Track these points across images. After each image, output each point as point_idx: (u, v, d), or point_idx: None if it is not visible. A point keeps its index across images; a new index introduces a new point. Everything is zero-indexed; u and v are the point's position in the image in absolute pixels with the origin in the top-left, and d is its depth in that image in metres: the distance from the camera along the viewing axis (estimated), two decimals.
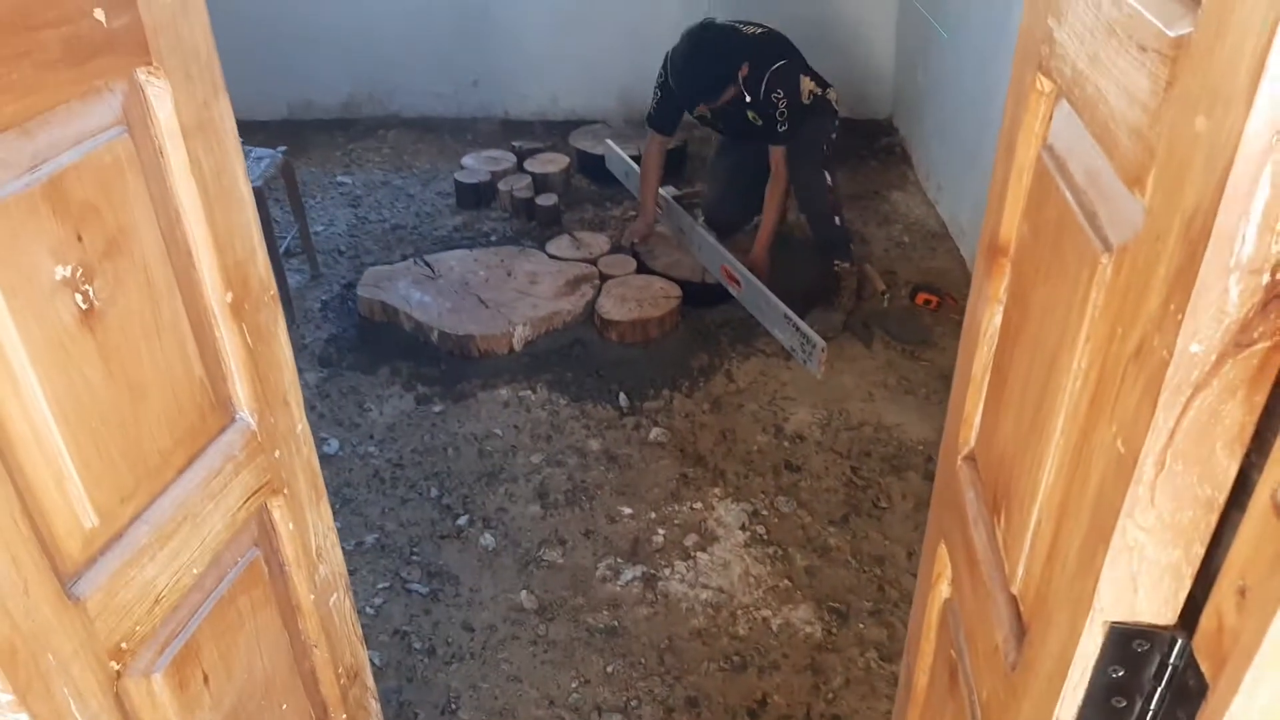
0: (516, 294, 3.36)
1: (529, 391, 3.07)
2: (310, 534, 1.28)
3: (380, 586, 2.40)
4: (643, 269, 3.53)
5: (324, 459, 2.76)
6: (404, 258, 3.85)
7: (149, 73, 0.89)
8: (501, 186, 4.20)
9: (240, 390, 1.11)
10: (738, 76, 3.20)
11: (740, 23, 3.38)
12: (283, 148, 3.46)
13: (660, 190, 3.75)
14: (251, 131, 5.13)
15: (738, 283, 3.27)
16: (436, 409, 3.01)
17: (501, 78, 5.10)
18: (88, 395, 0.87)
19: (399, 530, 2.57)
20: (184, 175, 0.96)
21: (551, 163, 4.37)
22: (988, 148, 3.72)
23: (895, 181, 4.41)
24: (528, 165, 4.35)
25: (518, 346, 3.21)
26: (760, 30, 3.36)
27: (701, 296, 3.40)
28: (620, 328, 3.20)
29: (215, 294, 1.04)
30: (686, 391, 3.06)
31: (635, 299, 3.29)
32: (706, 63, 3.21)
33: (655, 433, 2.88)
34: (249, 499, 1.14)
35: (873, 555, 2.46)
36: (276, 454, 1.18)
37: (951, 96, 3.96)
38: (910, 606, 2.30)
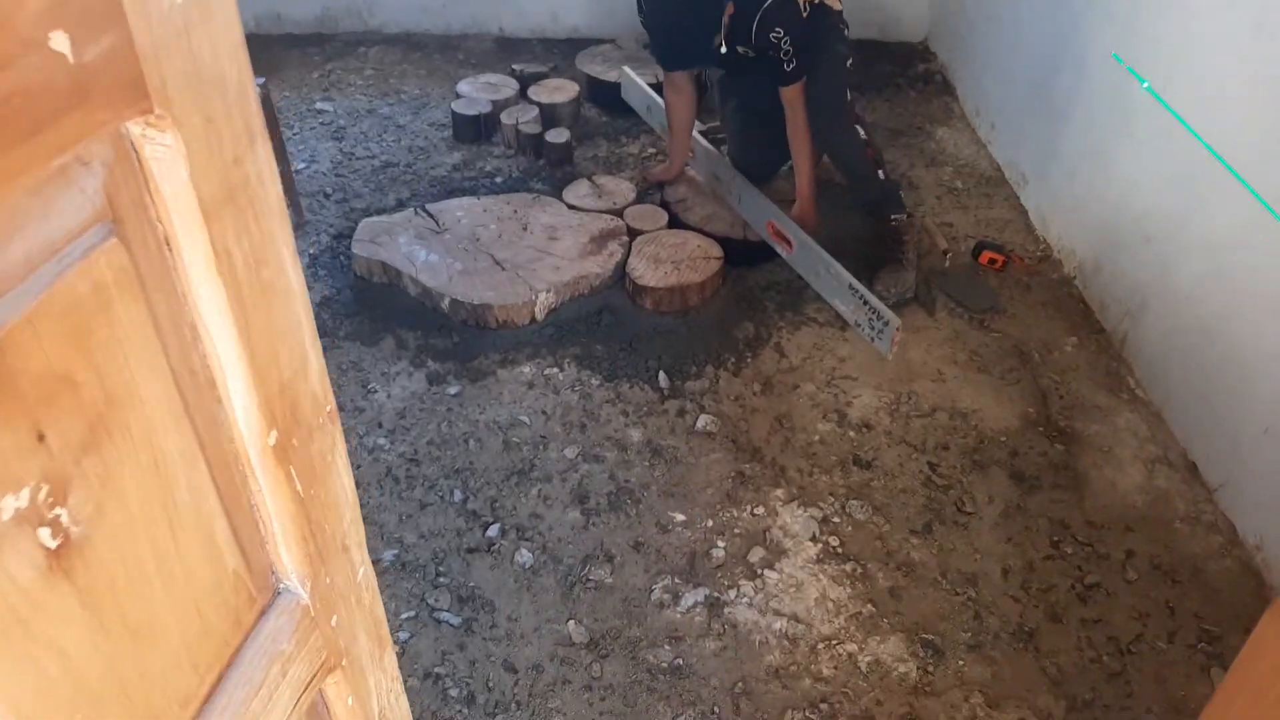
0: (535, 252, 2.97)
1: (556, 369, 2.72)
2: (373, 700, 0.95)
3: (405, 616, 2.08)
4: (675, 223, 3.14)
5: None
6: (400, 203, 3.43)
7: (148, 124, 0.51)
8: (505, 119, 3.75)
9: (286, 556, 0.76)
10: (720, 23, 2.76)
11: None
12: (260, 79, 2.99)
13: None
14: None
15: (788, 243, 2.90)
16: (452, 390, 2.65)
17: None
18: (64, 681, 0.52)
19: (420, 544, 2.24)
20: (206, 278, 0.59)
21: (559, 90, 3.91)
22: (1057, 84, 3.35)
23: (938, 114, 4.01)
24: (532, 93, 3.90)
25: (540, 316, 2.84)
26: None
27: (743, 255, 3.04)
28: (655, 294, 2.84)
29: (253, 439, 0.68)
30: (733, 369, 2.72)
31: (671, 260, 2.92)
32: (679, 17, 2.74)
33: (703, 420, 2.55)
34: (300, 697, 0.80)
35: (963, 573, 2.18)
36: (334, 621, 0.84)
37: (1008, 19, 3.54)
38: (1012, 637, 2.05)
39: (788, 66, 2.77)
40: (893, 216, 3.02)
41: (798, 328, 2.87)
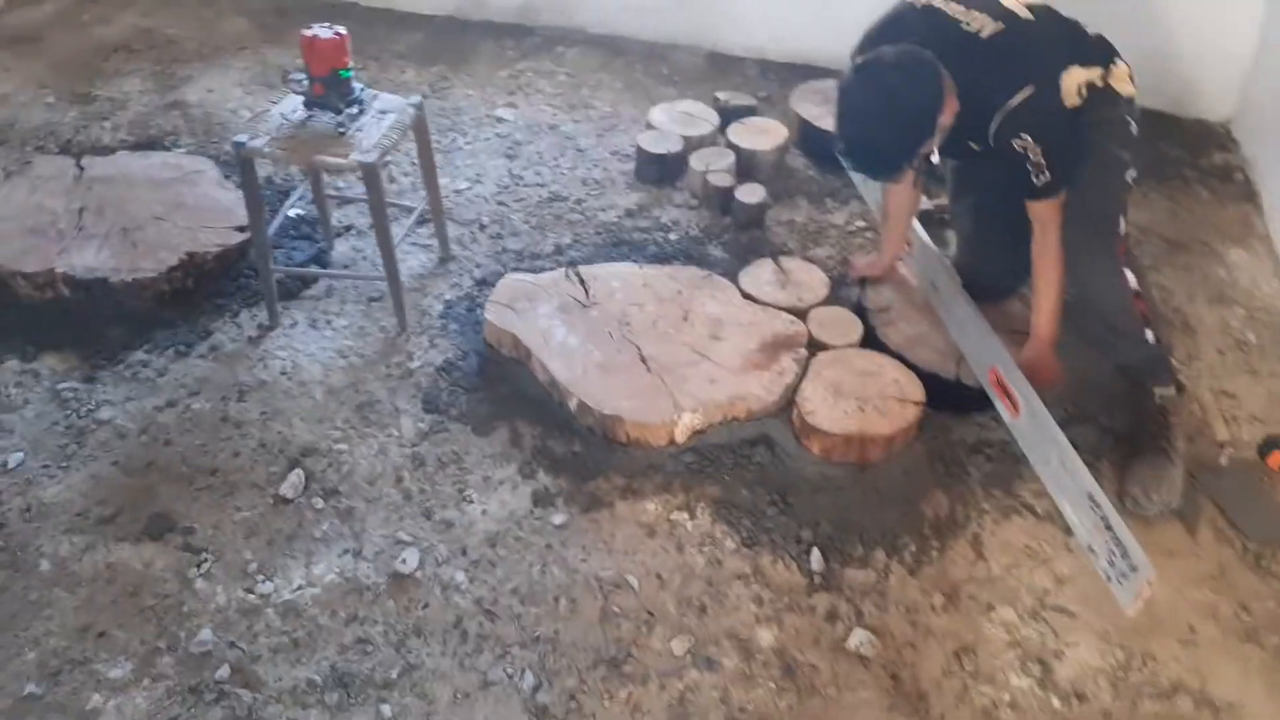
0: (691, 354, 2.44)
1: (685, 514, 2.19)
2: None
3: None
4: (871, 339, 2.53)
5: (395, 579, 2.00)
6: (557, 250, 2.98)
7: None
8: (695, 163, 3.22)
9: None
10: (933, 126, 2.05)
11: (957, 2, 2.16)
12: (416, 99, 2.59)
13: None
14: (410, 27, 4.28)
15: (1014, 404, 2.23)
16: (557, 519, 2.18)
17: None
18: None
19: None
20: None
21: (764, 134, 3.34)
22: None
23: (1234, 229, 3.17)
24: (732, 134, 3.34)
25: (680, 438, 2.32)
26: (997, 22, 2.12)
27: (951, 398, 2.39)
28: (828, 440, 2.25)
29: None
30: (911, 562, 2.10)
31: (855, 395, 2.32)
32: (880, 132, 2.04)
33: (858, 637, 1.96)
34: None
35: None
36: None
37: None
38: None
39: (1038, 179, 2.09)
40: (1158, 390, 2.29)
41: (1007, 516, 2.21)
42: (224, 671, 1.86)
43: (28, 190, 2.90)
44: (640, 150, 3.30)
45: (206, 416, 2.38)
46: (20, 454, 2.25)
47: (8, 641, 1.89)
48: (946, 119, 2.08)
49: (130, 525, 2.11)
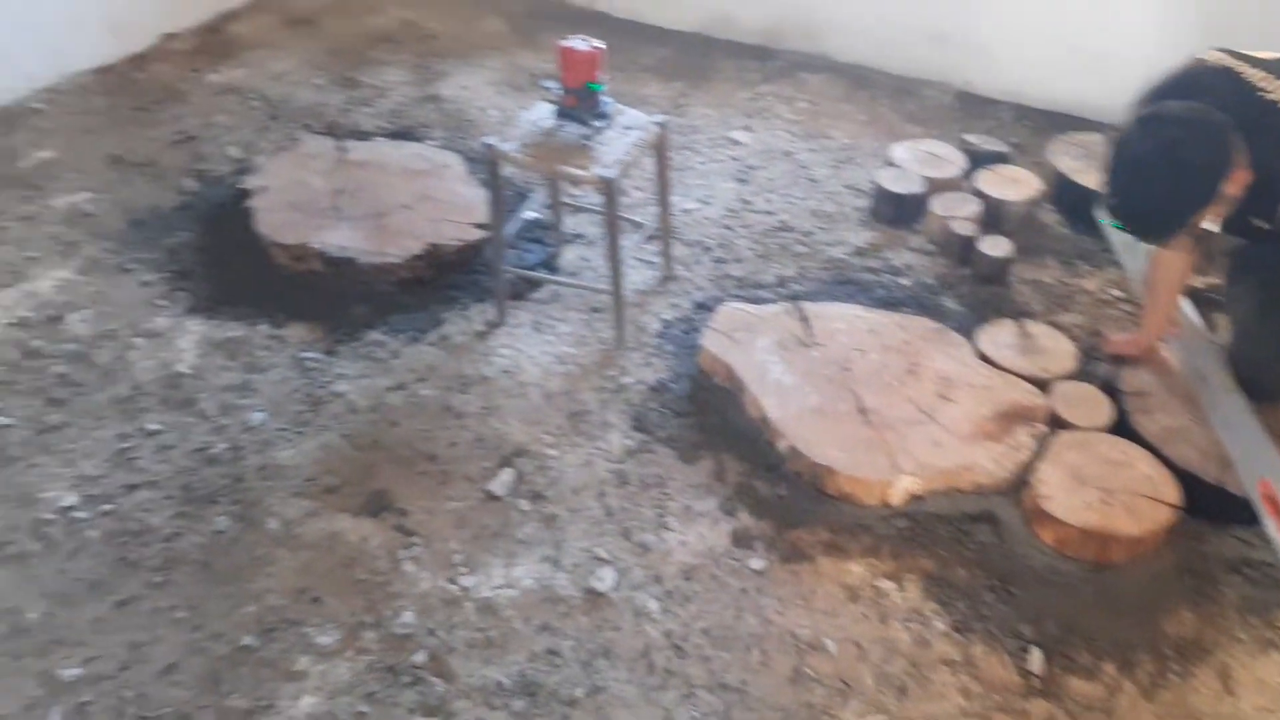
0: (915, 412, 2.31)
1: (893, 584, 2.07)
2: None
3: None
4: (1122, 425, 2.31)
5: (589, 596, 1.99)
6: (780, 282, 2.91)
7: None
8: (937, 208, 3.07)
9: None
10: (1214, 195, 1.83)
11: (1258, 66, 1.96)
12: (661, 118, 2.59)
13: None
14: (657, 41, 4.30)
15: None
16: (755, 564, 2.11)
17: (970, 33, 3.83)
18: None
19: None
20: None
21: (1015, 184, 3.14)
22: None
23: None
24: (979, 180, 3.17)
25: (895, 501, 2.19)
26: None
27: (1210, 504, 2.15)
28: (1063, 531, 2.07)
29: None
30: (1146, 683, 1.90)
31: (1099, 485, 2.12)
32: (1162, 188, 1.87)
33: None
34: None
35: None
36: None
37: None
38: None
39: None
40: None
41: (1264, 649, 1.96)
42: (421, 657, 1.90)
43: (294, 167, 3.10)
44: (878, 187, 3.18)
45: (431, 403, 2.45)
46: (262, 414, 2.40)
47: (234, 591, 2.00)
48: (1233, 189, 1.90)
49: (352, 498, 2.20)
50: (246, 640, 1.92)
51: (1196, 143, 1.87)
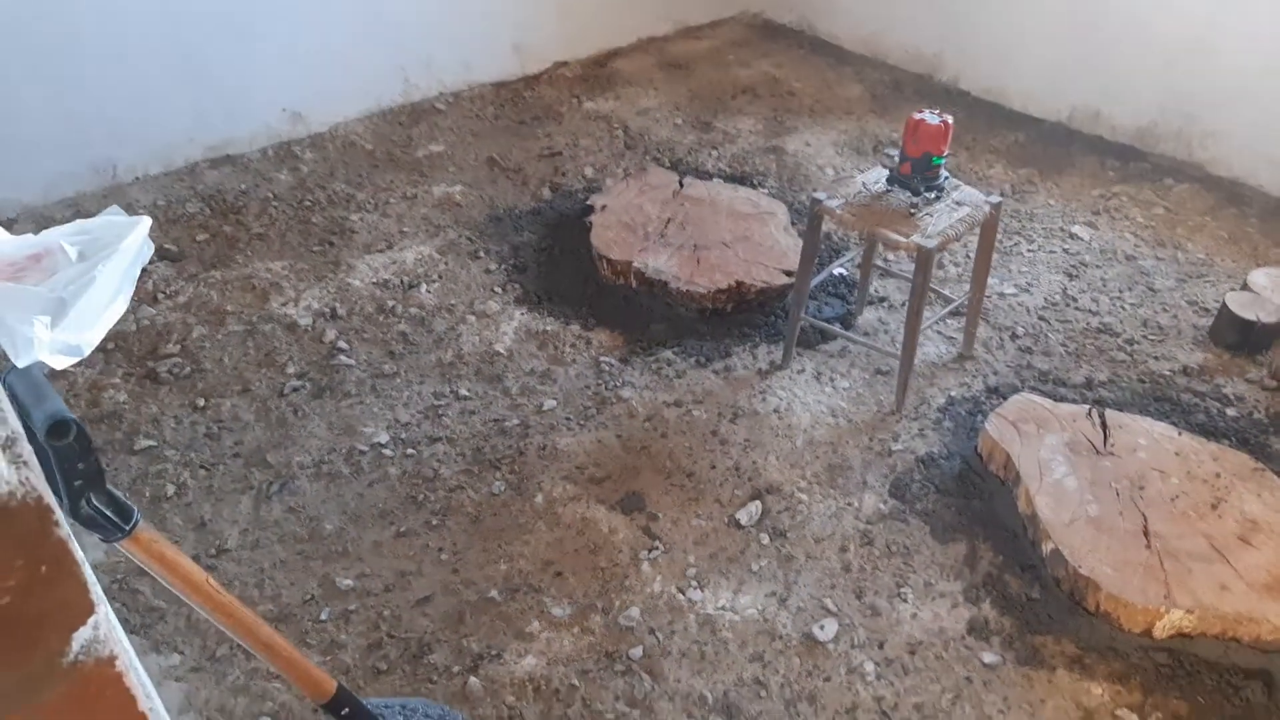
0: (1208, 549, 2.10)
1: (1136, 716, 1.89)
2: None
3: None
4: None
5: (807, 640, 2.01)
6: (1087, 384, 2.75)
7: None
8: None
9: None
10: None
11: None
12: (996, 198, 2.56)
13: None
14: (1013, 125, 4.18)
15: None
16: (988, 658, 2.02)
17: None
18: None
19: None
20: None
21: None
22: None
23: None
24: None
25: (1159, 633, 2.01)
26: None
27: None
28: None
29: None
30: None
31: None
32: None
33: None
34: None
35: None
36: None
37: None
38: None
39: None
40: None
41: None
42: (638, 651, 2.02)
43: (635, 192, 3.40)
44: (1225, 308, 2.91)
45: (701, 425, 2.59)
46: (554, 401, 2.66)
47: (493, 549, 2.24)
48: None
49: (611, 493, 2.39)
50: (493, 593, 2.14)
51: None
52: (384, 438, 2.53)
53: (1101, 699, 1.93)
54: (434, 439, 2.53)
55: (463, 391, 2.69)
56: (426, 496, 2.37)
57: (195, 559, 1.63)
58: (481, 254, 3.27)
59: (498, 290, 3.10)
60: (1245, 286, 2.99)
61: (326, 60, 3.87)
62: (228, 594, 1.27)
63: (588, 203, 3.38)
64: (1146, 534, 2.14)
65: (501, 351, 2.84)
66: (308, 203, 3.51)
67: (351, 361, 2.79)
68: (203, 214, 3.42)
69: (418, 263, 3.22)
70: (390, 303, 3.03)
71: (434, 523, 2.31)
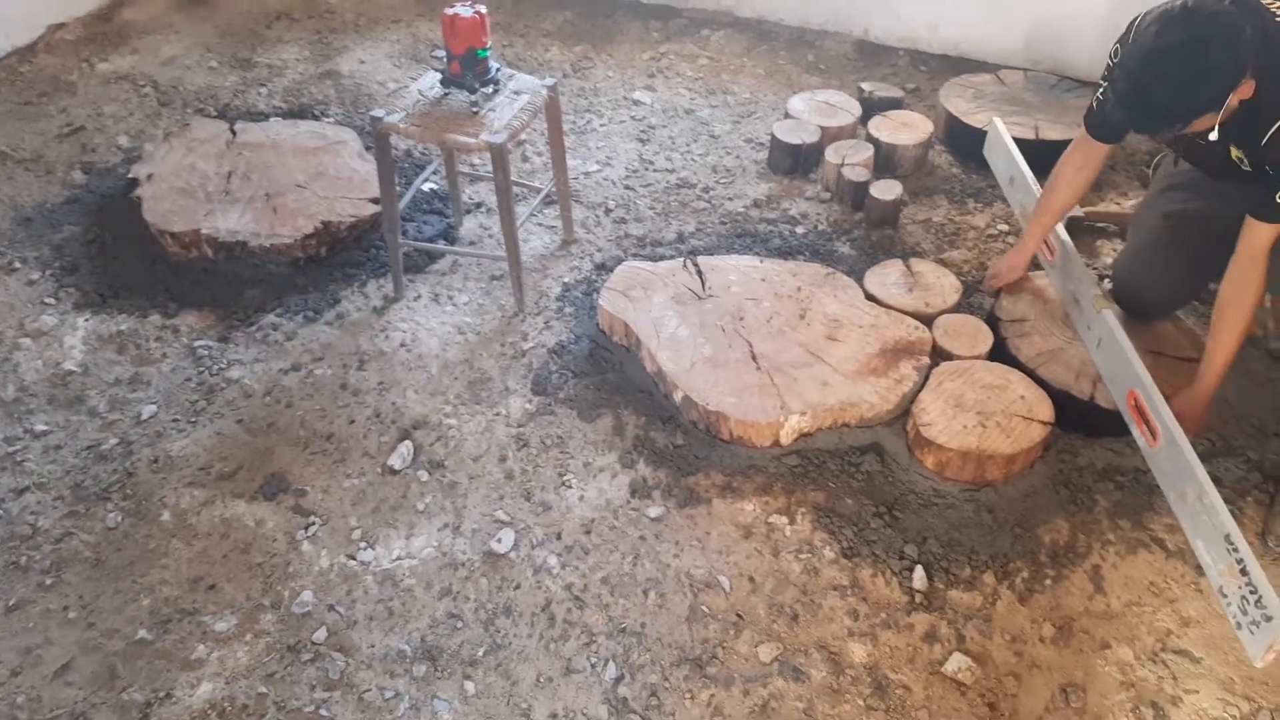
0: (804, 354, 2.36)
1: (784, 518, 2.13)
2: None
3: None
4: (1000, 352, 2.39)
5: (489, 558, 2.02)
6: (679, 238, 2.94)
7: None
8: (830, 155, 3.11)
9: None
10: (1223, 100, 1.82)
11: None
12: (551, 80, 2.59)
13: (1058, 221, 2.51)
14: (559, 5, 4.24)
15: (1152, 432, 2.06)
16: (653, 512, 2.15)
17: None
18: None
19: None
20: None
21: (906, 128, 3.19)
22: None
23: None
24: (873, 126, 3.21)
25: (785, 440, 2.25)
26: None
27: (1082, 420, 2.23)
28: (943, 455, 2.14)
29: None
30: (1022, 588, 1.98)
31: (977, 409, 2.19)
32: (1179, 76, 1.79)
33: (957, 661, 1.85)
34: None
35: None
36: None
37: None
38: None
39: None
40: None
41: (1133, 550, 2.05)
42: (321, 634, 1.92)
43: (183, 152, 3.06)
44: (774, 139, 3.21)
45: (327, 382, 2.46)
46: (154, 406, 2.38)
47: (126, 587, 2.00)
48: (1233, 101, 1.84)
49: (247, 483, 2.21)
50: (141, 634, 1.92)
51: (1225, 41, 1.78)
52: None
53: (755, 513, 2.13)
54: (19, 490, 2.18)
55: (39, 426, 2.33)
56: (30, 557, 2.05)
57: None
58: (18, 264, 2.80)
59: (49, 301, 2.68)
60: (787, 115, 3.31)
61: None
62: None
63: (130, 176, 2.99)
64: (754, 358, 2.35)
65: (74, 369, 2.48)
66: None
67: None
68: None
69: None
70: None
71: (47, 583, 2.01)
